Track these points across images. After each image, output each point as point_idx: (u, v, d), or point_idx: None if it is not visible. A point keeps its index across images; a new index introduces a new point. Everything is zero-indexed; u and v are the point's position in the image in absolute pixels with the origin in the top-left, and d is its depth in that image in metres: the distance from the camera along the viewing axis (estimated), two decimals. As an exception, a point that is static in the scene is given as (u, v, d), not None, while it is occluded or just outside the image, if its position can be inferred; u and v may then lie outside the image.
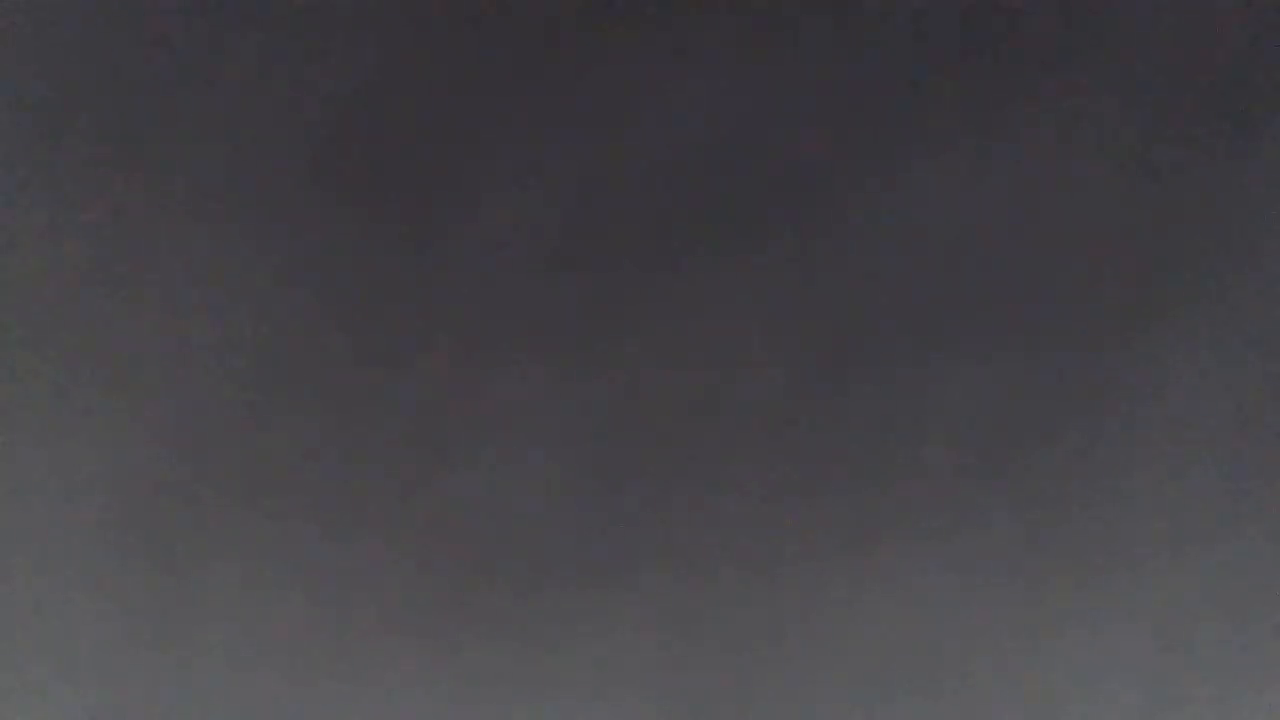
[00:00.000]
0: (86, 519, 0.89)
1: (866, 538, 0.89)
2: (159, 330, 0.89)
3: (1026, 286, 0.90)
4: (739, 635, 0.89)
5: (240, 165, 0.89)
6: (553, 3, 0.90)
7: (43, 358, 0.89)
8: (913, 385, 0.90)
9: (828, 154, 0.90)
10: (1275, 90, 0.90)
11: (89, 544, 0.89)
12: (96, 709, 0.89)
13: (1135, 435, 0.89)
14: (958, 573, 0.89)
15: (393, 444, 0.89)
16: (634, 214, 0.90)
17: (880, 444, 0.89)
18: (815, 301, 0.90)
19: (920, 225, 0.90)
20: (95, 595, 0.89)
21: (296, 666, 0.89)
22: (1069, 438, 0.89)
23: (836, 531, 0.89)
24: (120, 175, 0.89)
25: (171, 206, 0.89)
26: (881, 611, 0.89)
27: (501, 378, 0.89)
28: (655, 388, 0.89)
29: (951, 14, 0.90)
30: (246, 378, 0.89)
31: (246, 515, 0.89)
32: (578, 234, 0.90)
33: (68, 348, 0.89)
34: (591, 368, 0.89)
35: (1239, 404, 0.90)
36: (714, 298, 0.90)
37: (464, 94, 0.90)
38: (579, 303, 0.89)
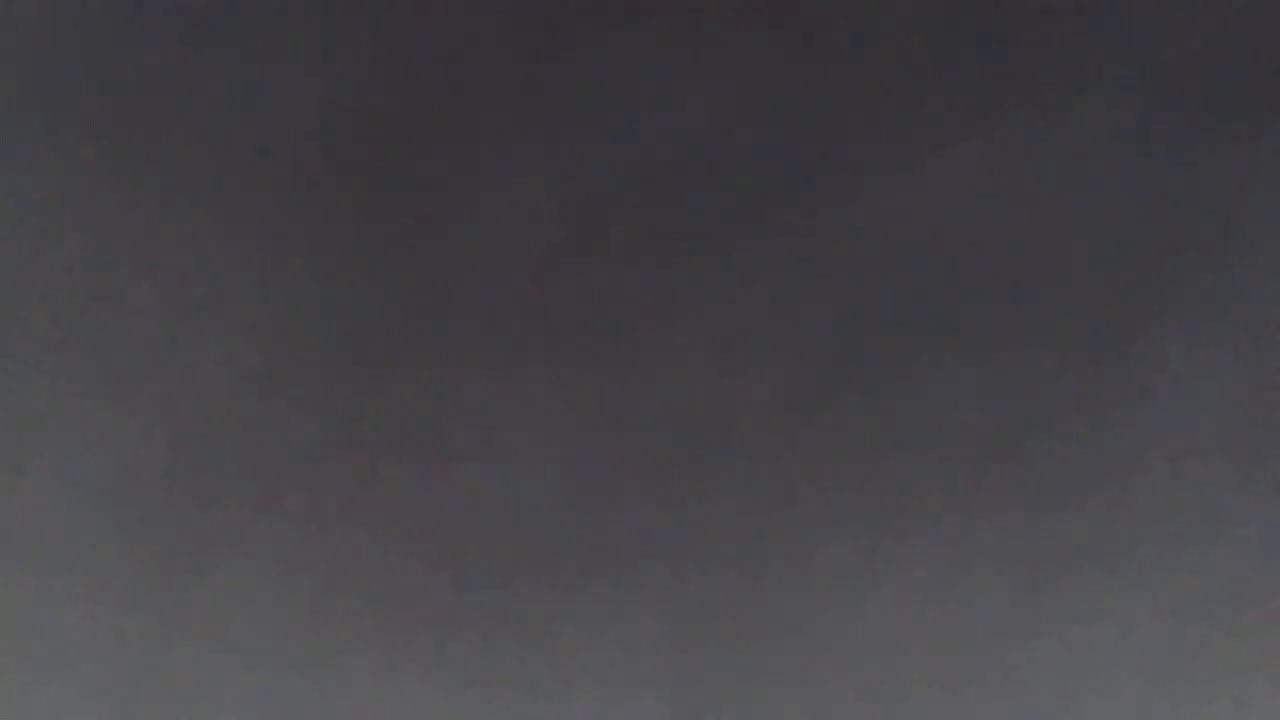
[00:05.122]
0: (87, 519, 0.89)
1: (866, 537, 0.89)
2: (159, 330, 0.89)
3: (1027, 286, 0.90)
4: (740, 634, 0.90)
5: (240, 165, 0.89)
6: (553, 3, 0.90)
7: (43, 358, 0.89)
8: (913, 385, 0.90)
9: (828, 153, 0.90)
10: (1275, 90, 0.90)
11: (89, 544, 0.89)
12: (97, 709, 0.89)
13: (1135, 435, 0.90)
14: (958, 572, 0.89)
15: (393, 444, 0.89)
16: (634, 213, 0.90)
17: (880, 444, 0.89)
18: (815, 301, 0.90)
19: (920, 225, 0.90)
20: (95, 595, 0.89)
21: (296, 666, 0.89)
22: (1069, 438, 0.89)
23: (836, 531, 0.89)
24: (120, 175, 0.89)
25: (171, 206, 0.89)
26: (881, 610, 0.90)
27: (501, 378, 0.89)
28: (655, 388, 0.90)
29: (952, 14, 0.90)
30: (246, 377, 0.89)
31: (246, 514, 0.89)
32: (578, 234, 0.90)
33: (68, 348, 0.89)
34: (592, 368, 0.89)
35: (1239, 404, 0.90)
36: (713, 298, 0.90)
37: (464, 94, 0.90)
38: (579, 303, 0.89)
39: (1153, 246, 0.90)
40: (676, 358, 0.90)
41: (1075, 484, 0.90)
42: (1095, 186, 0.90)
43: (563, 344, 0.89)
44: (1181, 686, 0.90)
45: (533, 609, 0.89)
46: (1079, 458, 0.90)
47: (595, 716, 0.89)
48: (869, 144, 0.90)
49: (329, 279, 0.89)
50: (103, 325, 0.89)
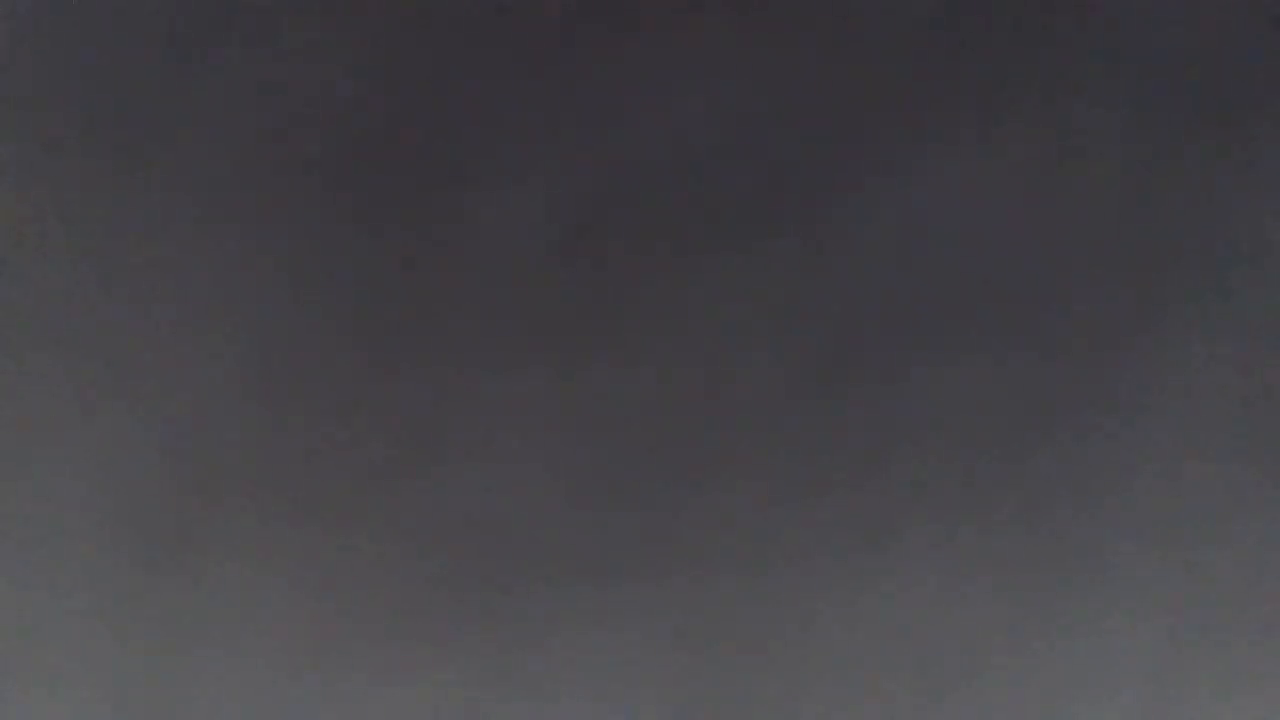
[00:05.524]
0: (87, 519, 0.89)
1: (866, 538, 0.89)
2: (157, 330, 0.89)
3: (1026, 286, 0.90)
4: (739, 635, 0.89)
5: (240, 165, 0.89)
6: (553, 3, 0.90)
7: (43, 358, 0.89)
8: (913, 385, 0.90)
9: (828, 154, 0.90)
10: (1275, 90, 0.90)
11: (90, 544, 0.89)
12: (97, 709, 0.89)
13: (1135, 435, 0.89)
14: (957, 572, 0.89)
15: (393, 444, 0.89)
16: (634, 213, 0.90)
17: (880, 444, 0.89)
18: (815, 301, 0.90)
19: (920, 225, 0.90)
20: (95, 595, 0.89)
21: (297, 666, 0.89)
22: (1069, 438, 0.89)
23: (836, 531, 0.89)
24: (120, 175, 0.89)
25: (171, 207, 0.89)
26: (881, 611, 0.89)
27: (501, 378, 0.89)
28: (655, 387, 0.89)
29: (951, 14, 0.90)
30: (245, 377, 0.89)
31: (246, 515, 0.89)
32: (578, 233, 0.90)
33: (68, 348, 0.89)
34: (591, 368, 0.89)
35: (1239, 404, 0.90)
36: (713, 298, 0.90)
37: (464, 93, 0.90)
38: (579, 302, 0.89)
39: (1152, 246, 0.90)
40: (676, 357, 0.90)
41: (1075, 484, 0.90)
42: (1094, 186, 0.90)
43: (563, 344, 0.89)
44: (1182, 688, 0.90)
45: (532, 609, 0.89)
46: (1079, 458, 0.89)
47: (595, 717, 0.89)
48: (869, 144, 0.90)
49: (329, 279, 0.89)
50: (102, 326, 0.89)
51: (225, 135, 0.89)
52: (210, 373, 0.89)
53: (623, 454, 0.89)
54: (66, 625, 0.89)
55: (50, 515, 0.89)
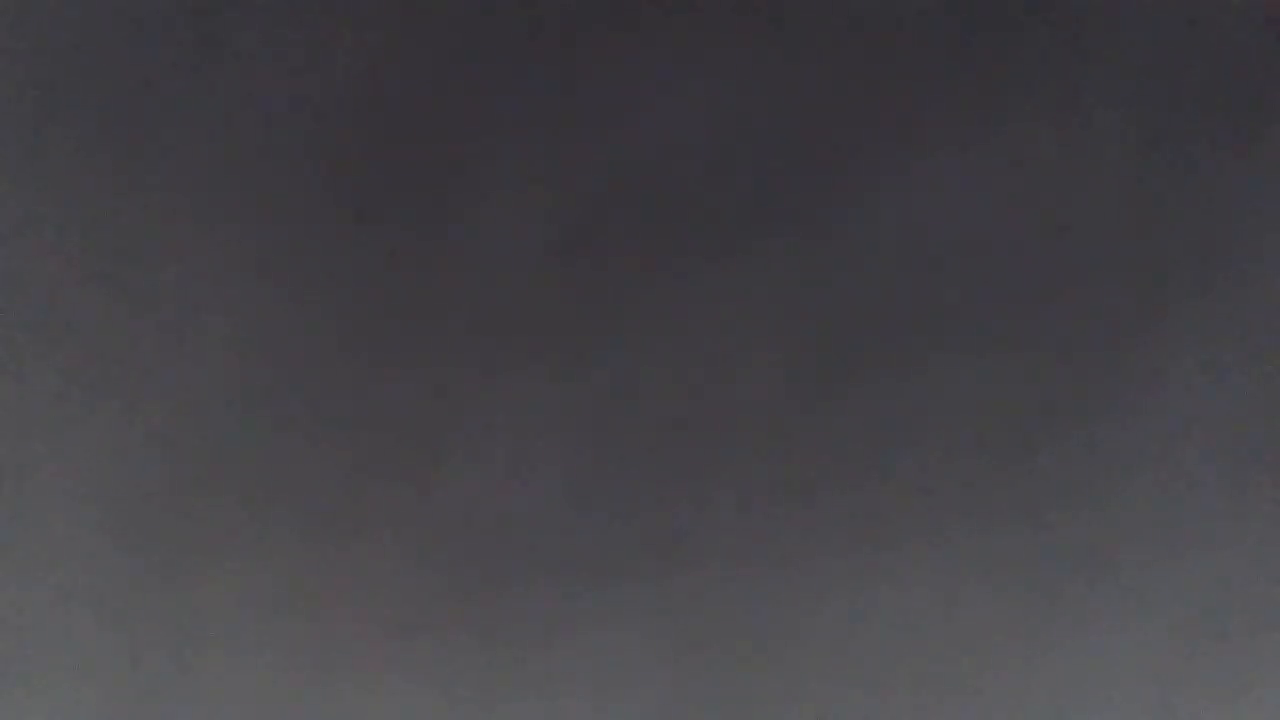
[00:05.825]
0: (87, 523, 0.89)
1: (866, 538, 0.89)
2: (157, 332, 0.89)
3: (1026, 287, 0.90)
4: (739, 635, 0.90)
5: (240, 165, 0.89)
6: (553, 3, 0.90)
7: (43, 360, 0.89)
8: (913, 385, 0.90)
9: (828, 154, 0.90)
10: (1275, 90, 0.90)
11: (89, 547, 0.89)
12: (97, 710, 0.89)
13: (1135, 436, 0.90)
14: (958, 573, 0.89)
15: (393, 445, 0.89)
16: (633, 214, 0.90)
17: (880, 444, 0.89)
18: (815, 301, 0.90)
19: (920, 225, 0.90)
20: (95, 599, 0.89)
21: (297, 667, 0.89)
22: (1070, 438, 0.89)
23: (836, 531, 0.89)
24: (119, 175, 0.89)
25: (171, 206, 0.89)
26: (882, 611, 0.89)
27: (501, 378, 0.89)
28: (655, 388, 0.89)
29: (951, 14, 0.90)
30: (244, 377, 0.89)
31: (246, 516, 0.89)
32: (577, 234, 0.90)
33: (68, 349, 0.89)
34: (591, 368, 0.89)
35: (1239, 404, 0.90)
36: (713, 298, 0.90)
37: (464, 94, 0.90)
38: (579, 303, 0.89)
39: (1153, 246, 0.90)
40: (676, 358, 0.90)
41: (1076, 485, 0.90)
42: (1095, 187, 0.90)
43: (563, 344, 0.89)
44: (1182, 688, 0.90)
45: (533, 609, 0.89)
46: (1079, 458, 0.90)
47: (595, 717, 0.89)
48: (869, 144, 0.90)
49: (328, 280, 0.89)
50: (101, 327, 0.89)
51: (224, 135, 0.89)
52: (209, 372, 0.89)
53: (623, 454, 0.89)
54: (66, 625, 0.89)
55: (50, 515, 0.89)
